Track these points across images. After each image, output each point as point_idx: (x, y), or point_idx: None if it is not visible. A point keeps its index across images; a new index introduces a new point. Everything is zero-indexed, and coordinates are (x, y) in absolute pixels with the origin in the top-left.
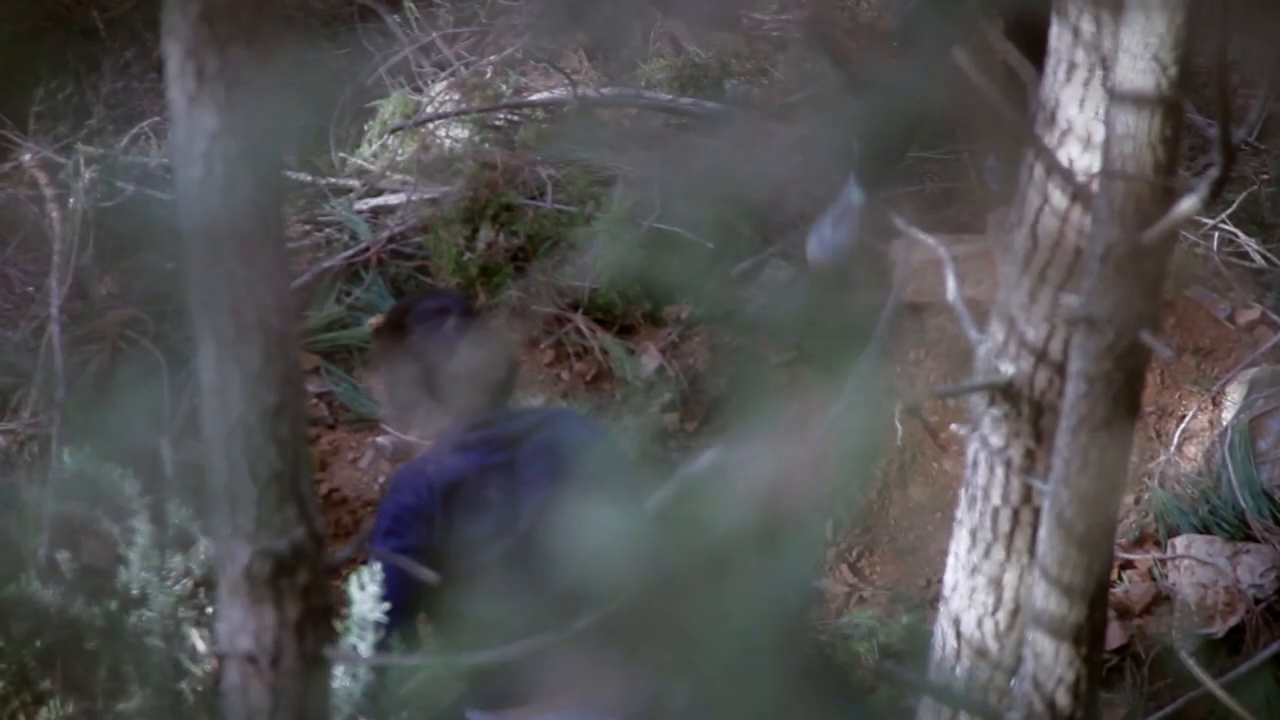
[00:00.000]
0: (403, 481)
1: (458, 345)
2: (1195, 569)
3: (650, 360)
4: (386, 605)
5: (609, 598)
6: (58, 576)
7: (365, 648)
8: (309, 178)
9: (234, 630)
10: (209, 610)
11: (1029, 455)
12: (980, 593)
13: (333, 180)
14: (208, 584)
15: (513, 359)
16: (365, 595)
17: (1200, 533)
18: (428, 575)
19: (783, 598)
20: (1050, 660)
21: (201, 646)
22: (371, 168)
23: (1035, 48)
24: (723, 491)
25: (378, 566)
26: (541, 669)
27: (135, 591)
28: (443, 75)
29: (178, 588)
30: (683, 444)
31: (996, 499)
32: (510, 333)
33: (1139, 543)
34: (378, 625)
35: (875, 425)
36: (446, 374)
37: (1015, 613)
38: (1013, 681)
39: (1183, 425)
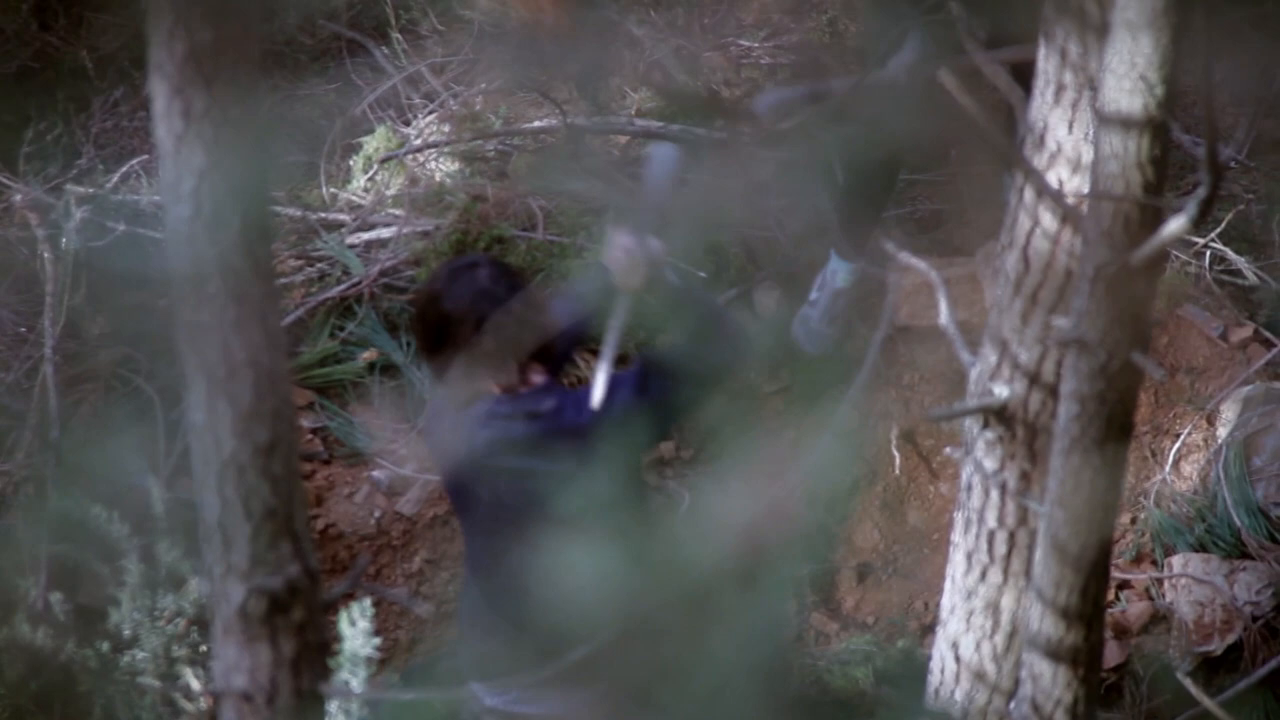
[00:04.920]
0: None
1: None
2: (1192, 587)
3: None
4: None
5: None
6: (51, 618)
7: (358, 683)
8: (299, 213)
9: (229, 668)
10: (203, 649)
11: (1024, 477)
12: (978, 616)
13: (323, 215)
14: (201, 623)
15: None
16: (357, 631)
17: (1196, 551)
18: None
19: (771, 628)
20: (1048, 682)
21: (196, 685)
22: (362, 202)
23: (1022, 71)
24: (702, 526)
25: (367, 601)
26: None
27: (127, 632)
28: (430, 107)
29: (170, 627)
30: (679, 472)
31: (992, 522)
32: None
33: (1136, 562)
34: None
35: (867, 451)
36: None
37: (1013, 635)
38: (1011, 704)
39: (1177, 444)
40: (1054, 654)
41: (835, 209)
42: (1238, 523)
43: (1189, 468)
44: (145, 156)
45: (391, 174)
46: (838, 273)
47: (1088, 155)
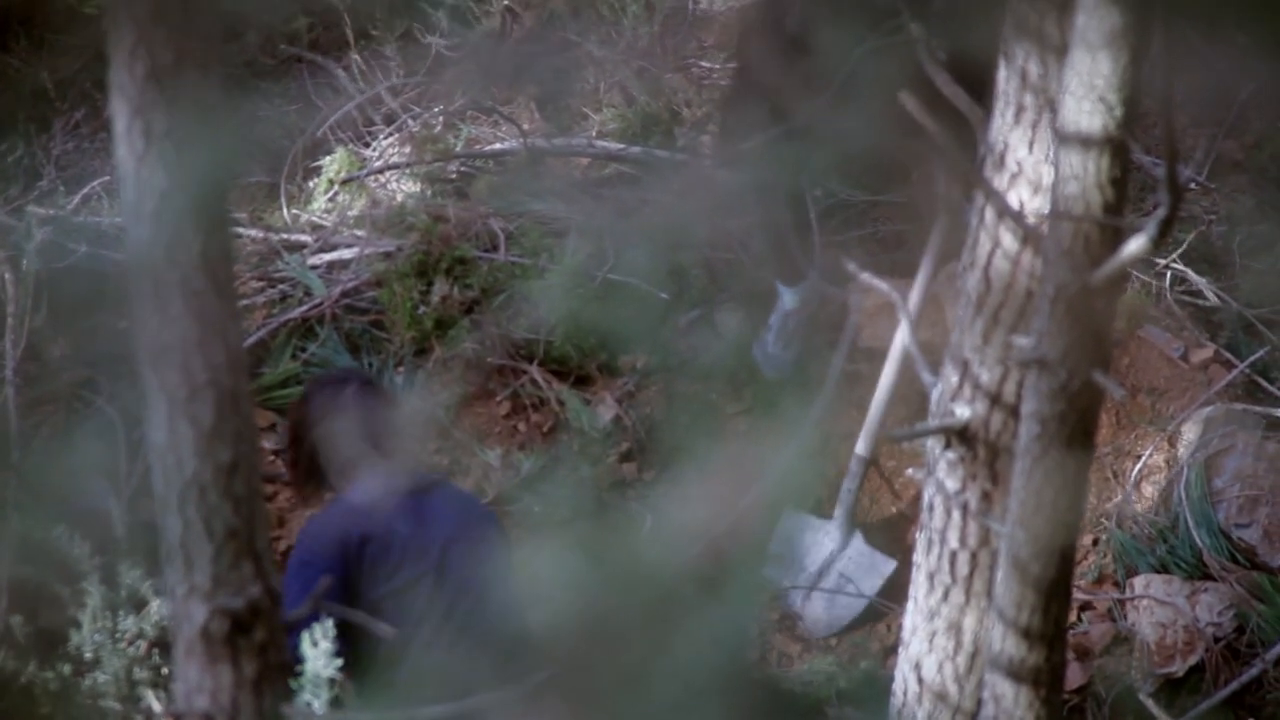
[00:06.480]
0: (311, 535)
1: (352, 409)
2: (1154, 609)
3: (606, 410)
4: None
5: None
6: (12, 641)
7: (320, 704)
8: (261, 234)
9: (191, 690)
10: (165, 670)
11: (986, 498)
12: (940, 637)
13: (285, 236)
14: (163, 644)
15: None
16: (319, 652)
17: (1158, 572)
18: (385, 630)
19: (734, 645)
20: (1010, 703)
21: (158, 707)
22: (324, 223)
23: (983, 91)
24: (661, 538)
25: (330, 623)
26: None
27: (89, 654)
28: (390, 129)
29: (132, 649)
30: (641, 493)
31: (954, 542)
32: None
33: (1098, 583)
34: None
35: (829, 472)
36: (342, 434)
37: (975, 656)
38: None
39: (1139, 465)
40: (1016, 675)
41: (764, 237)
42: (1199, 544)
43: (1150, 489)
44: (106, 178)
45: (353, 195)
46: (783, 295)
47: (1048, 176)
